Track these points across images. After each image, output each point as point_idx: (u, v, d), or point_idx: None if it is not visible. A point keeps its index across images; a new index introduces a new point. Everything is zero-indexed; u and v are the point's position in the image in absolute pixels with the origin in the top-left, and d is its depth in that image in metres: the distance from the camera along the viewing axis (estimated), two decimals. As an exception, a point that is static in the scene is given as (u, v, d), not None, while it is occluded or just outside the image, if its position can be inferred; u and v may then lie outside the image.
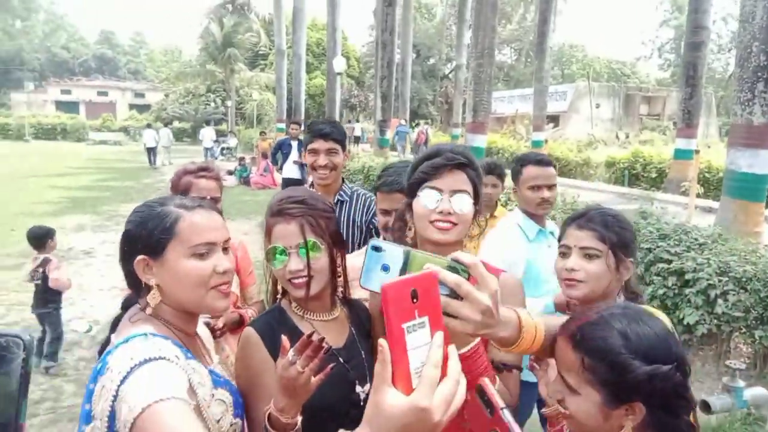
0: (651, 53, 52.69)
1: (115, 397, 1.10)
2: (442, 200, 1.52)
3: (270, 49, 38.40)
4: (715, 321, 4.89)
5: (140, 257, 1.31)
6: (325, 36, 27.00)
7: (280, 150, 10.58)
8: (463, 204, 1.52)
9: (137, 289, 1.36)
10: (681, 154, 14.80)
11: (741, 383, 3.99)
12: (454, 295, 0.93)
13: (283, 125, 27.37)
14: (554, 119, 30.39)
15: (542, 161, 2.80)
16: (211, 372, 1.35)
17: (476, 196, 1.57)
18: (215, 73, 39.85)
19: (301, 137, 9.48)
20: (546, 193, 2.73)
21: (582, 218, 1.69)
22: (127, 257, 1.33)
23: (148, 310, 1.32)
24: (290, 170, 10.08)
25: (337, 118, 18.03)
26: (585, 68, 49.08)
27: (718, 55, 43.88)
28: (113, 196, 14.79)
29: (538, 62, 20.91)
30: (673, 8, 48.39)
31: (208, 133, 24.50)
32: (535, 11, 36.58)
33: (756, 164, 6.96)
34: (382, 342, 0.78)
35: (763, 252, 5.32)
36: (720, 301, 4.83)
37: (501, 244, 2.75)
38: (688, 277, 5.07)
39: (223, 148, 27.64)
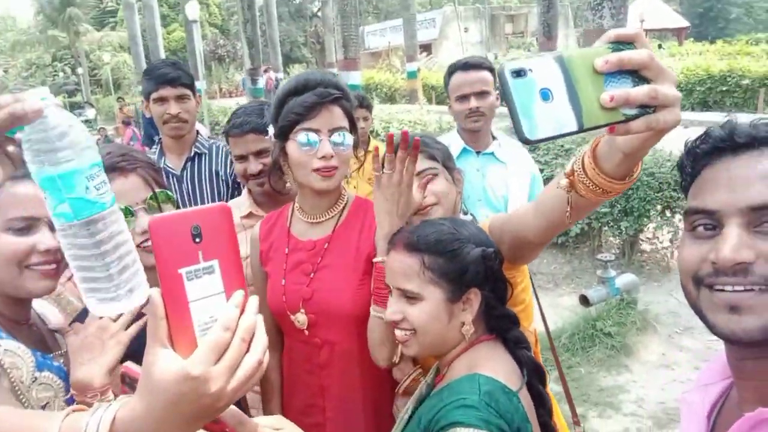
0: (510, -28, 53.86)
1: None
2: (321, 143, 1.40)
3: (118, 4, 34.91)
4: (586, 219, 5.20)
5: None
6: (176, -16, 24.85)
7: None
8: (344, 141, 1.43)
9: None
10: (545, 67, 15.48)
11: (612, 273, 4.29)
12: (637, 79, 0.68)
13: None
14: (427, 48, 30.53)
15: (467, 65, 2.38)
16: (37, 353, 1.21)
17: (353, 128, 1.48)
18: (58, 39, 35.70)
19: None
20: (473, 103, 2.33)
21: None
22: None
23: None
24: None
25: (200, 72, 16.84)
26: (450, -7, 49.46)
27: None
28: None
29: (403, -10, 20.65)
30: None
31: None
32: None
33: (607, 67, 7.36)
34: (152, 293, 0.63)
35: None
36: (588, 200, 5.13)
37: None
38: (558, 183, 5.32)
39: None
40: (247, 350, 0.67)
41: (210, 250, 0.65)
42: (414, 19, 20.98)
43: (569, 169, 0.93)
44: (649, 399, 3.50)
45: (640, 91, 0.67)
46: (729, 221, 0.72)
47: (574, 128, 0.66)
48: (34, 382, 1.18)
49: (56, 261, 1.24)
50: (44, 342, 1.34)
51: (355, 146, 1.51)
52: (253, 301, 0.69)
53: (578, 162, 0.91)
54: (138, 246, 1.29)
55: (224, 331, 0.65)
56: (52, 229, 1.24)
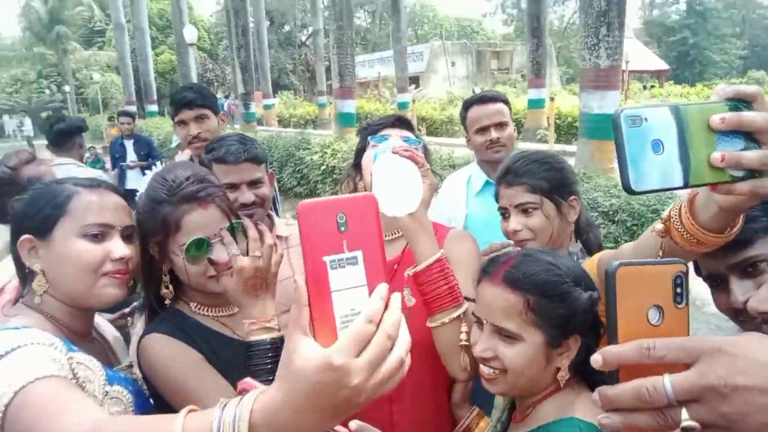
0: (495, 9, 55.42)
1: None
2: (391, 138, 1.49)
3: (107, 24, 34.95)
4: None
5: (25, 236, 1.17)
6: (168, 6, 25.01)
7: (114, 155, 8.27)
8: (410, 140, 1.50)
9: (24, 278, 1.23)
10: (534, 104, 15.82)
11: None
12: (748, 140, 0.67)
13: (134, 108, 25.22)
14: (414, 80, 31.03)
15: (484, 98, 2.45)
16: (106, 368, 1.20)
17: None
18: (45, 56, 35.48)
19: (137, 132, 8.27)
20: (494, 134, 2.38)
21: (509, 174, 1.61)
22: (14, 239, 1.20)
23: (36, 300, 1.18)
24: (132, 180, 7.54)
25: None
26: (437, 28, 50.58)
27: (554, 8, 47.23)
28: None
29: (394, 23, 21.03)
30: (511, -35, 51.10)
31: (27, 121, 26.98)
32: (384, -27, 36.69)
33: (605, 105, 7.55)
34: (297, 278, 0.62)
35: (623, 185, 5.80)
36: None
37: (441, 199, 2.55)
38: (564, 216, 5.40)
39: (67, 139, 25.16)
40: (391, 348, 0.64)
41: (354, 241, 0.63)
42: (405, 51, 21.34)
43: (666, 215, 0.92)
44: None
45: (754, 157, 0.65)
46: None
47: (680, 184, 0.65)
48: (105, 396, 1.16)
49: (128, 271, 1.24)
50: (106, 356, 1.33)
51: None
52: (397, 297, 0.65)
53: (675, 209, 0.90)
54: (212, 277, 1.30)
55: (368, 323, 0.62)
56: (123, 238, 1.24)
